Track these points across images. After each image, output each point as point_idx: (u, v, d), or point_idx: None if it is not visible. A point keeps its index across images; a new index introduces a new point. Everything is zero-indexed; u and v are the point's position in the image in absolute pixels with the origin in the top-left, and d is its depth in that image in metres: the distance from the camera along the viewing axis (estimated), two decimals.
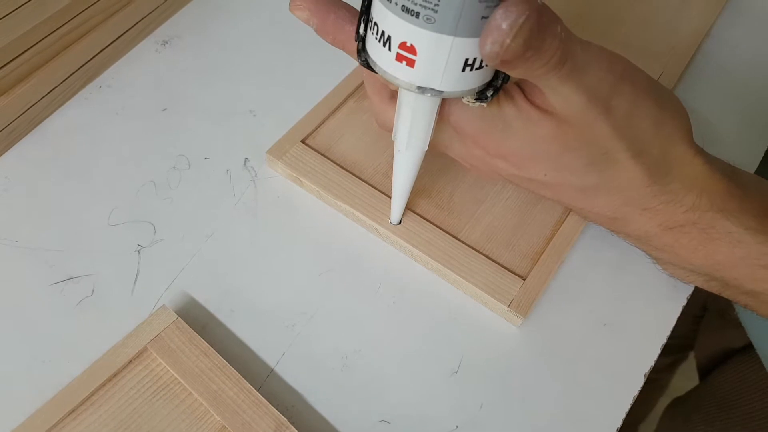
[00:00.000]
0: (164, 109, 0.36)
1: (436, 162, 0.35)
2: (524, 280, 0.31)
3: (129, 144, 0.35)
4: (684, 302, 0.32)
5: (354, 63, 0.37)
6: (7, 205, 0.32)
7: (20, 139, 0.35)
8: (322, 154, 0.35)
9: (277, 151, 0.35)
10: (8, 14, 0.31)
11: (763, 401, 0.49)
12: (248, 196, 0.34)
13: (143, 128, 0.35)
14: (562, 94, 0.24)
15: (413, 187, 0.31)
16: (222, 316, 0.30)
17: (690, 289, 0.32)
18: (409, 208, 0.34)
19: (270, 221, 0.33)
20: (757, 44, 0.43)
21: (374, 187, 0.34)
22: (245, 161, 0.35)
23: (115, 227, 0.32)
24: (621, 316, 0.31)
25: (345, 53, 0.26)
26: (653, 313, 0.32)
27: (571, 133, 0.25)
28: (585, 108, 0.24)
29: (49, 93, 0.35)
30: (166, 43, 0.39)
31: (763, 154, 0.38)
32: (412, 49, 0.23)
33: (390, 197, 0.33)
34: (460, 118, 0.27)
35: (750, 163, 0.38)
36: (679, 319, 0.32)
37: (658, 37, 0.43)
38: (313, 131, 0.36)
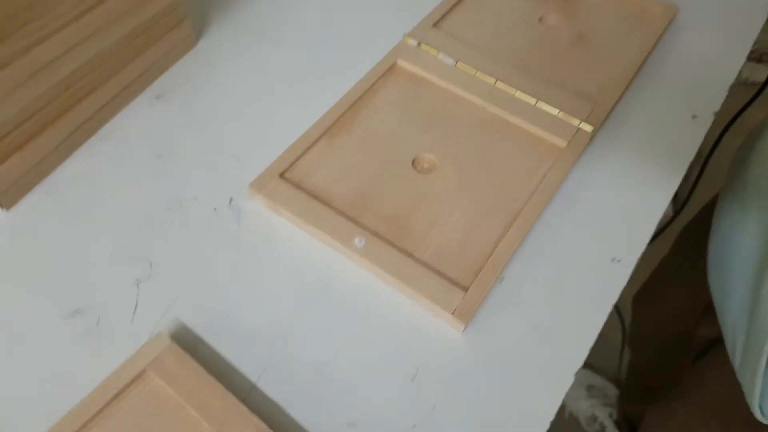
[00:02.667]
0: (159, 156, 0.38)
1: (396, 191, 0.37)
2: (466, 291, 0.33)
3: (128, 189, 0.37)
4: (609, 310, 0.33)
5: (326, 106, 0.38)
6: (22, 248, 0.34)
7: (31, 189, 0.36)
8: (298, 186, 0.37)
9: (258, 185, 0.37)
10: (23, 82, 0.33)
11: None
12: (232, 230, 0.35)
13: (140, 174, 0.37)
14: None
15: (378, 214, 0.33)
16: (210, 339, 0.32)
17: (614, 300, 0.34)
18: (371, 231, 0.35)
19: (252, 251, 0.35)
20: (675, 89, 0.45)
21: (343, 214, 0.36)
22: (230, 200, 0.37)
23: (116, 264, 0.34)
24: (552, 322, 0.33)
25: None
26: (581, 320, 0.33)
27: None
28: None
29: (57, 147, 0.37)
30: (160, 97, 0.41)
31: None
32: None
33: (357, 224, 0.35)
34: None
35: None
36: None
37: (591, 80, 0.44)
38: (290, 166, 0.38)
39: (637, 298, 0.75)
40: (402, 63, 0.44)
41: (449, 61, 0.44)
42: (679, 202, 1.41)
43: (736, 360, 0.40)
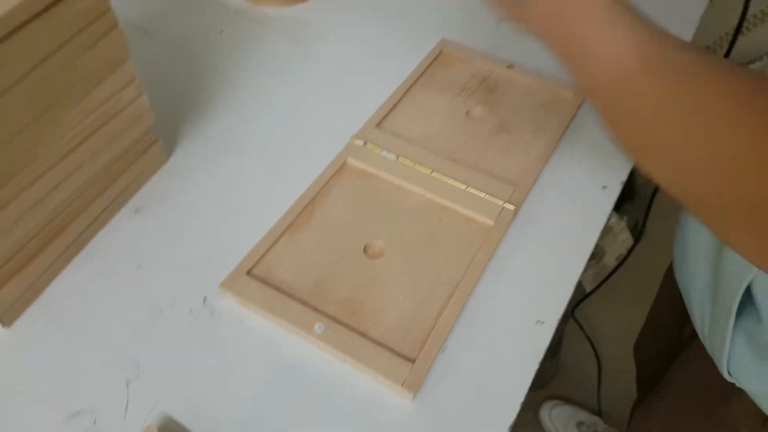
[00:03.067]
0: (139, 267, 0.43)
1: (351, 277, 0.42)
2: (414, 363, 0.38)
3: (113, 298, 0.42)
4: (536, 368, 0.39)
5: (286, 206, 0.44)
6: (22, 361, 0.39)
7: (28, 306, 0.41)
8: (264, 282, 0.42)
9: (228, 284, 0.42)
10: (19, 219, 0.38)
11: None
12: (208, 327, 0.40)
13: (123, 285, 0.42)
14: None
15: (336, 300, 0.38)
16: (195, 427, 0.36)
17: (540, 357, 0.39)
18: (329, 316, 0.40)
19: (226, 345, 0.40)
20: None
21: (305, 303, 0.41)
22: (204, 299, 0.42)
23: (107, 368, 0.38)
24: (490, 383, 0.38)
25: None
26: (513, 378, 0.38)
27: None
28: None
29: (49, 267, 0.42)
30: (138, 211, 0.47)
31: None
32: None
33: (317, 311, 0.40)
34: None
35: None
36: None
37: (513, 163, 0.51)
38: (256, 264, 0.43)
39: (637, 345, 0.79)
40: (351, 161, 0.50)
41: (391, 156, 0.50)
42: (636, 230, 1.48)
43: (705, 330, 0.46)
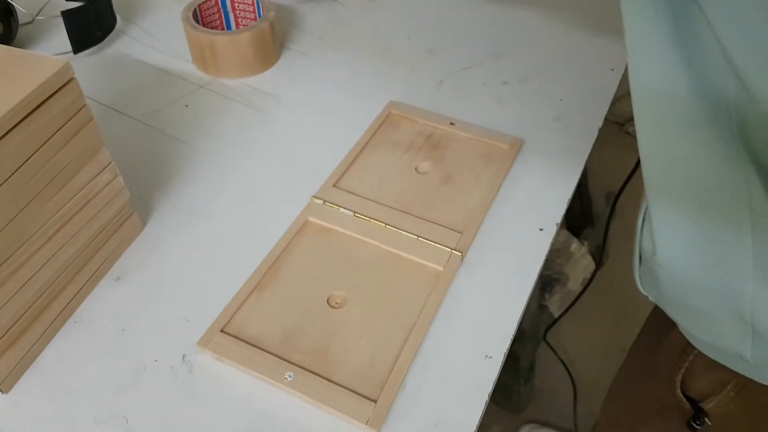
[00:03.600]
0: (123, 330, 0.47)
1: (316, 327, 0.47)
2: (376, 402, 0.42)
3: (100, 360, 0.45)
4: (486, 399, 0.43)
5: (255, 264, 0.48)
6: (21, 424, 0.42)
7: (23, 373, 0.45)
8: (236, 337, 0.46)
9: (204, 341, 0.46)
10: (13, 296, 0.42)
11: None
12: (187, 382, 0.44)
13: (109, 347, 0.46)
14: None
15: (303, 349, 0.43)
16: None
17: (489, 389, 0.44)
18: (298, 365, 0.45)
19: (204, 397, 0.44)
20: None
21: (274, 355, 0.45)
22: (183, 357, 0.46)
23: (99, 425, 0.42)
24: (446, 416, 0.43)
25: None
26: (465, 411, 0.43)
27: None
28: None
29: (41, 336, 0.46)
30: (119, 279, 0.51)
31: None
32: None
33: (286, 361, 0.44)
34: None
35: None
36: None
37: (458, 212, 0.56)
38: (228, 321, 0.48)
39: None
40: (312, 219, 0.55)
41: (348, 213, 0.55)
42: (598, 254, 1.55)
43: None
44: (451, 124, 0.64)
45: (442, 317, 0.48)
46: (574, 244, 1.42)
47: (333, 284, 0.50)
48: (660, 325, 0.54)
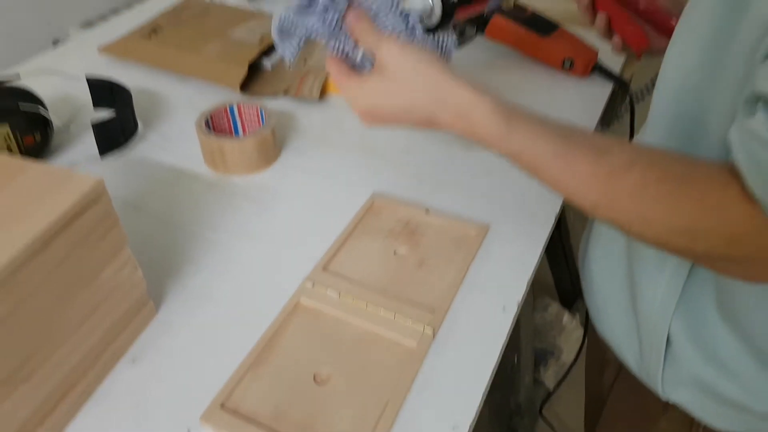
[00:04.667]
0: (137, 406, 0.53)
1: (303, 402, 0.52)
2: None
3: None
4: None
5: (253, 342, 0.54)
6: None
7: None
8: (235, 413, 0.52)
9: (206, 416, 0.52)
10: (44, 382, 0.48)
11: None
12: None
13: (126, 422, 0.52)
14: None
15: (293, 423, 0.48)
16: None
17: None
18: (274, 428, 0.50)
19: None
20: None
21: (268, 428, 0.51)
22: (188, 431, 0.51)
23: None
24: None
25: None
26: None
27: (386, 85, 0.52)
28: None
29: (65, 415, 0.52)
30: (135, 360, 0.57)
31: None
32: None
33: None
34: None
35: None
36: None
37: (431, 293, 0.62)
38: (227, 398, 0.53)
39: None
40: (303, 301, 0.62)
41: (335, 294, 0.62)
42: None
43: (638, 365, 0.60)
44: (427, 212, 0.71)
45: (415, 392, 0.54)
46: (566, 317, 1.46)
47: (319, 361, 0.56)
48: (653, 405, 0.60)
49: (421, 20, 0.59)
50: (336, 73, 0.55)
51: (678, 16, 0.50)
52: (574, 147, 0.45)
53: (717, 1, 0.44)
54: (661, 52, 0.51)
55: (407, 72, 0.50)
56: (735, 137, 0.39)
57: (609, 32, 0.76)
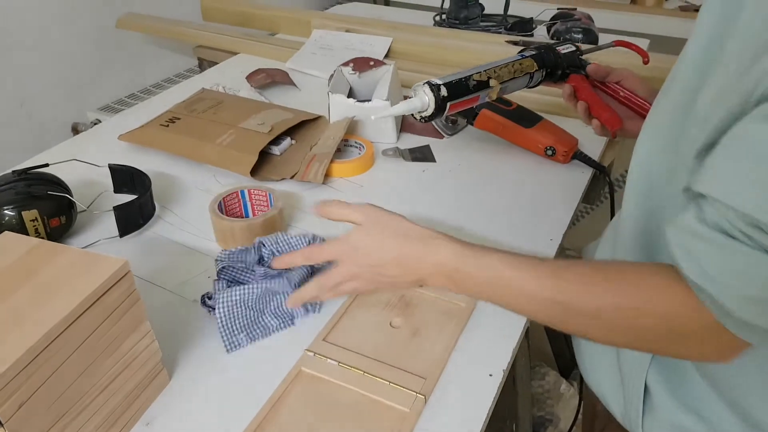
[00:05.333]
0: None
1: None
2: None
3: None
4: None
5: (258, 408, 0.60)
6: None
7: None
8: None
9: None
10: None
11: None
12: None
13: None
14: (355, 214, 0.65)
15: None
16: None
17: None
18: None
19: None
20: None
21: None
22: None
23: None
24: None
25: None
26: None
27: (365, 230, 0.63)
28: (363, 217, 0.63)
29: None
30: (149, 424, 0.63)
31: None
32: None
33: None
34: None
35: None
36: None
37: (423, 361, 0.69)
38: None
39: None
40: (305, 369, 0.68)
41: (333, 363, 0.68)
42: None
43: (622, 413, 0.66)
44: (420, 286, 0.78)
45: None
46: (564, 385, 1.49)
47: (319, 426, 0.62)
48: None
49: (418, 112, 0.78)
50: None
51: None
52: (521, 256, 0.56)
53: (678, 92, 0.54)
54: (636, 134, 0.60)
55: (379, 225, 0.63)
56: (670, 232, 0.48)
57: (589, 117, 0.90)
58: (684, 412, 0.59)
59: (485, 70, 0.82)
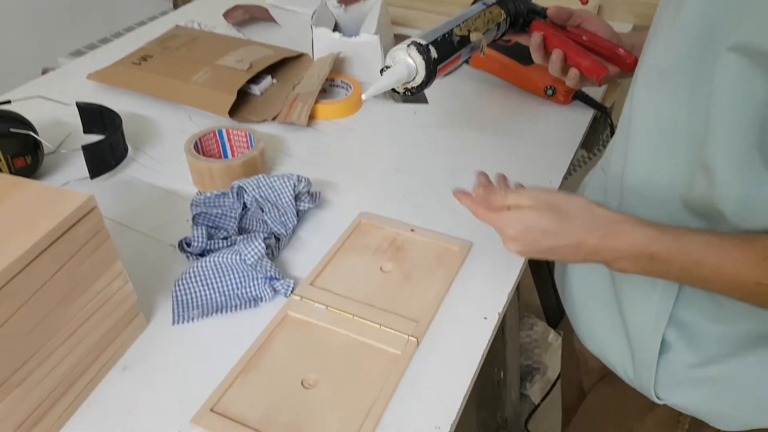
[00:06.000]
0: (128, 412, 0.56)
1: (292, 406, 0.55)
2: None
3: None
4: None
5: (242, 351, 0.58)
6: None
7: None
8: (224, 416, 0.55)
9: (197, 420, 0.55)
10: (34, 388, 0.51)
11: None
12: None
13: (116, 429, 0.55)
14: (523, 201, 0.57)
15: (281, 425, 0.51)
16: None
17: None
18: None
19: None
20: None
21: (256, 431, 0.54)
22: None
23: None
24: None
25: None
26: None
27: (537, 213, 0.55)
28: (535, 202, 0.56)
29: (57, 420, 0.54)
30: (126, 368, 0.60)
31: None
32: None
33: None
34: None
35: None
36: None
37: (415, 305, 0.67)
38: (217, 402, 0.56)
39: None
40: (291, 313, 0.65)
41: (321, 307, 0.66)
42: None
43: (630, 374, 0.64)
44: (412, 230, 0.75)
45: (400, 395, 0.57)
46: (551, 335, 1.51)
47: (307, 368, 0.60)
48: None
49: (404, 84, 0.67)
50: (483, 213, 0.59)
51: (619, 46, 0.55)
52: (723, 235, 0.49)
53: (687, 32, 0.50)
54: (614, 78, 0.56)
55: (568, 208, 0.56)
56: None
57: (564, 68, 0.80)
58: (704, 365, 0.59)
59: (463, 23, 0.71)
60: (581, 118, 0.97)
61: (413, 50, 0.64)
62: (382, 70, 0.65)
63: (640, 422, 0.67)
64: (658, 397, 0.62)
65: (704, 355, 0.58)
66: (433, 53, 0.65)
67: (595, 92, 1.01)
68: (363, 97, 0.63)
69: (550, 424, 1.38)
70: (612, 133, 0.95)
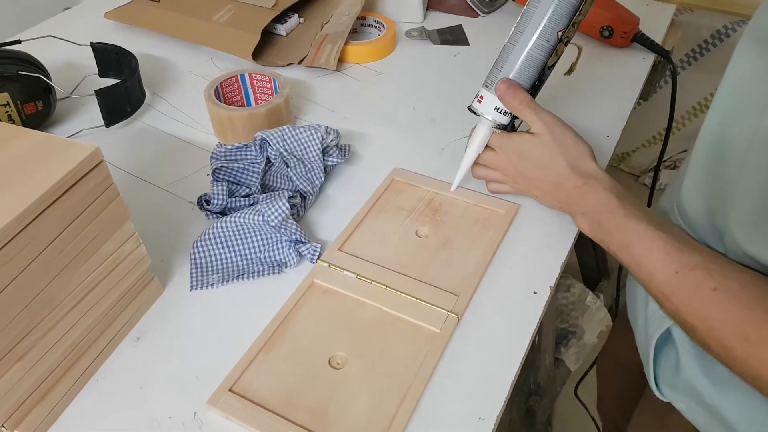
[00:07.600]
0: (140, 387, 0.52)
1: (317, 387, 0.50)
2: None
3: (119, 417, 0.50)
4: None
5: (264, 324, 0.53)
6: None
7: (49, 427, 0.49)
8: (243, 396, 0.50)
9: (213, 400, 0.50)
10: (42, 358, 0.47)
11: None
12: None
13: (127, 404, 0.50)
14: (533, 123, 0.59)
15: (305, 408, 0.46)
16: None
17: None
18: (299, 424, 0.48)
19: None
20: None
21: (277, 414, 0.49)
22: (194, 414, 0.50)
23: None
24: None
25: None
26: None
27: (539, 142, 0.59)
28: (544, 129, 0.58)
29: (67, 393, 0.50)
30: (139, 338, 0.55)
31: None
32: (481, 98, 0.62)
33: (289, 420, 0.48)
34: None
35: None
36: None
37: (455, 275, 0.60)
38: (236, 381, 0.52)
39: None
40: (317, 281, 0.60)
41: (351, 275, 0.60)
42: (613, 310, 1.56)
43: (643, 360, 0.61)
44: (451, 189, 0.68)
45: (438, 378, 0.52)
46: (590, 298, 1.43)
47: (334, 345, 0.54)
48: None
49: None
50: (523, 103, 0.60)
51: None
52: (669, 238, 0.50)
53: None
54: None
55: (558, 137, 0.59)
56: None
57: None
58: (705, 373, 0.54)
59: (554, 49, 0.60)
60: (641, 63, 0.87)
61: (495, 113, 0.63)
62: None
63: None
64: (660, 392, 0.58)
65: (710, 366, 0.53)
66: (517, 123, 0.64)
67: (656, 34, 0.90)
68: (455, 186, 0.67)
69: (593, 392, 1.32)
70: (674, 77, 0.85)
